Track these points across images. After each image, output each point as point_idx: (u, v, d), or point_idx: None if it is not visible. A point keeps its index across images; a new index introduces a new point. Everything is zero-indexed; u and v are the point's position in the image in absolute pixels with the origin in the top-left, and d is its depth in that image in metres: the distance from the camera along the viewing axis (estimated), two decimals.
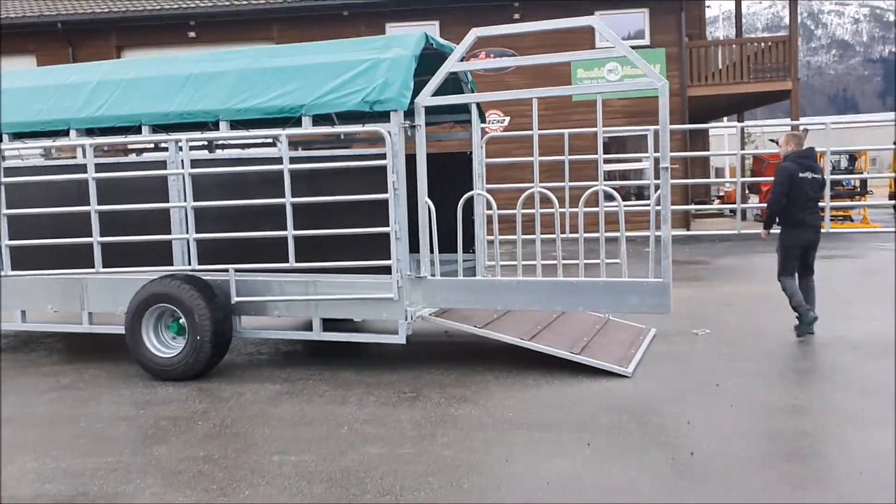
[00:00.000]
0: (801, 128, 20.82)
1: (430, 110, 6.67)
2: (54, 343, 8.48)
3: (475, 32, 6.25)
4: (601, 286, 6.11)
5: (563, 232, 7.37)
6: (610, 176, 18.82)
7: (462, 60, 6.45)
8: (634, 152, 20.05)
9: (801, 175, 7.26)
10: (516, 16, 19.51)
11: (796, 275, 7.46)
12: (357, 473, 4.38)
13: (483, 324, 6.70)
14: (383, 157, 6.27)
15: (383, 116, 6.56)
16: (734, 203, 26.40)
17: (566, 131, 8.35)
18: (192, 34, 19.62)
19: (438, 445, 4.80)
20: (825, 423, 5.01)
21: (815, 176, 7.34)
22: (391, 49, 6.63)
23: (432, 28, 19.74)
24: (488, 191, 7.67)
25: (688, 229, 19.89)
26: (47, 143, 7.56)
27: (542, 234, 6.79)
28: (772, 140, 26.24)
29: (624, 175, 19.42)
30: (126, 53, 19.93)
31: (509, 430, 5.02)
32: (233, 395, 6.11)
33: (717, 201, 29.53)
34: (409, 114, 6.56)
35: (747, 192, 26.10)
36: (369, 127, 6.54)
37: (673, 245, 6.11)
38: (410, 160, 6.50)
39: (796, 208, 7.28)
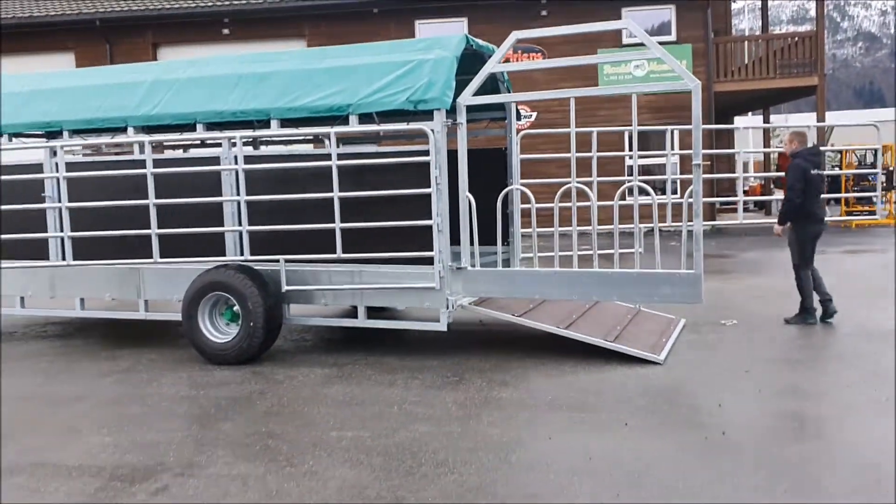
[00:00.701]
0: (826, 125, 20.93)
1: (468, 108, 6.99)
2: (106, 330, 8.91)
3: (515, 35, 6.56)
4: (635, 277, 6.41)
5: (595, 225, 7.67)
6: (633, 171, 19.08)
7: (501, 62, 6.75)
8: (658, 148, 20.33)
9: (812, 172, 7.54)
10: (543, 12, 19.75)
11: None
12: (411, 448, 4.73)
13: (520, 313, 7.02)
14: (426, 153, 6.60)
15: (426, 115, 6.89)
16: (758, 197, 26.50)
17: (594, 129, 8.56)
18: (225, 31, 20.05)
19: (484, 425, 5.14)
20: (849, 406, 5.28)
21: (821, 172, 7.75)
22: (433, 50, 6.95)
23: (460, 25, 20.05)
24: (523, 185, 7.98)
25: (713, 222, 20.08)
26: (106, 139, 7.96)
27: (576, 227, 7.09)
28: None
29: (647, 170, 19.59)
30: (161, 50, 20.42)
31: (550, 412, 5.35)
32: (285, 378, 6.49)
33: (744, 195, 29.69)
34: (450, 112, 6.88)
35: (772, 186, 26.23)
36: (414, 125, 6.86)
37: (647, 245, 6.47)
38: (450, 156, 6.82)
39: (809, 203, 7.60)
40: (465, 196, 6.85)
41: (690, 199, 6.41)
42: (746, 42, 21.41)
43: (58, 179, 7.27)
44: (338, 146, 6.70)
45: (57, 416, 5.66)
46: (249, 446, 4.87)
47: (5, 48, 20.29)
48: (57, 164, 7.54)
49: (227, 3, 19.90)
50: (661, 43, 17.29)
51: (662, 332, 7.33)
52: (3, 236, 7.57)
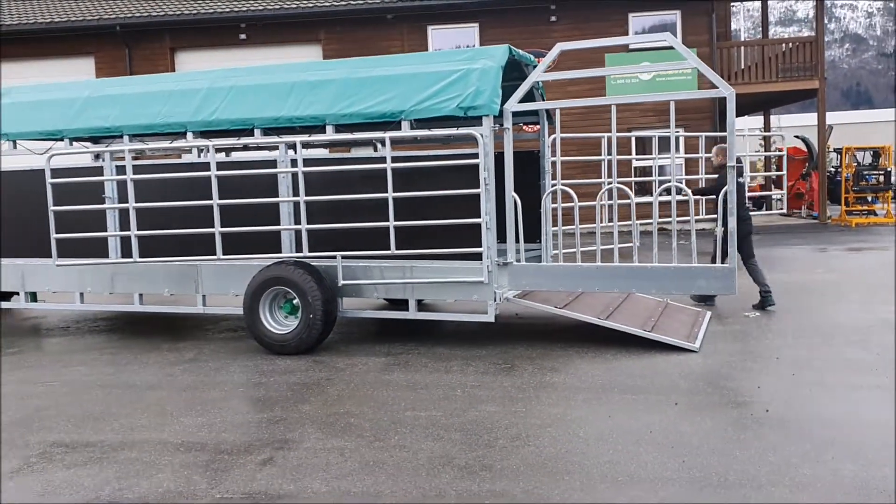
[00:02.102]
0: (827, 125, 21.47)
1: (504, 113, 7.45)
2: (155, 324, 9.34)
3: (559, 47, 7.04)
4: (673, 271, 6.89)
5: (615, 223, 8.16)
6: (639, 172, 19.58)
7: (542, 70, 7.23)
8: (665, 150, 20.83)
9: (739, 179, 8.53)
10: (553, 18, 20.24)
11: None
12: (484, 424, 5.20)
13: (561, 305, 7.50)
14: (474, 156, 7.07)
15: (474, 120, 7.37)
16: (757, 199, 27.01)
17: (632, 134, 9.03)
18: (242, 36, 20.48)
19: (545, 405, 5.61)
20: (879, 386, 5.77)
21: (742, 180, 8.90)
22: (479, 60, 7.42)
23: (472, 30, 20.53)
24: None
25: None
26: (166, 143, 8.41)
27: (617, 224, 7.56)
28: (797, 136, 26.89)
29: (647, 171, 20.04)
30: (179, 55, 20.83)
31: (603, 394, 5.82)
32: (346, 366, 6.95)
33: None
34: (496, 117, 7.35)
35: (772, 186, 26.75)
36: (463, 130, 7.33)
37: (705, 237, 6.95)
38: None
39: (741, 205, 8.55)
40: (511, 196, 7.32)
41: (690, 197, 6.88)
42: (748, 46, 21.90)
43: (126, 181, 7.68)
44: (375, 150, 7.13)
45: (142, 402, 6.10)
46: (333, 425, 5.33)
47: (26, 52, 20.67)
48: (121, 167, 8.02)
49: (244, 8, 20.33)
50: (666, 48, 17.86)
51: (693, 323, 7.82)
52: (60, 236, 7.95)
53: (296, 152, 7.37)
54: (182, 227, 7.74)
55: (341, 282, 7.49)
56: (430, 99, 7.32)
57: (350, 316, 8.08)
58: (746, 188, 9.29)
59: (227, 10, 20.28)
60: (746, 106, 24.11)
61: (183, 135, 8.22)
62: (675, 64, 7.26)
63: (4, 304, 9.43)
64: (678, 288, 6.95)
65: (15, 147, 8.94)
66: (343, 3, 20.16)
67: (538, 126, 8.80)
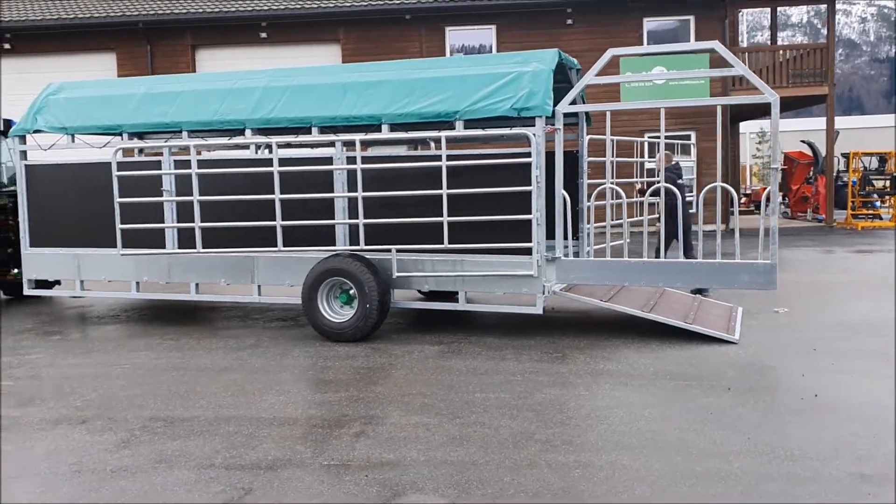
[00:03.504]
0: (835, 129, 21.90)
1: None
2: (205, 313, 9.70)
3: (611, 52, 7.42)
4: (717, 267, 7.29)
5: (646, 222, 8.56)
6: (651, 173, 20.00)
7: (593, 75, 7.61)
8: (678, 153, 21.25)
9: (678, 181, 9.46)
10: (569, 21, 20.64)
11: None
12: (553, 405, 5.58)
13: (605, 299, 7.88)
14: (526, 155, 7.45)
15: (524, 121, 7.75)
16: (759, 201, 27.48)
17: (659, 140, 9.41)
18: (263, 35, 20.82)
19: (605, 389, 5.99)
20: None
21: (683, 181, 10.00)
22: (531, 63, 7.80)
23: (490, 32, 20.92)
24: (593, 185, 8.84)
25: (726, 226, 21.06)
26: (225, 139, 8.76)
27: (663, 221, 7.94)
28: (803, 141, 27.36)
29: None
30: (200, 52, 21.16)
31: (657, 380, 6.21)
32: (403, 353, 7.32)
33: (745, 199, 30.72)
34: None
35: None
36: (516, 130, 7.70)
37: (715, 240, 7.41)
38: None
39: (673, 200, 9.12)
40: (561, 193, 7.71)
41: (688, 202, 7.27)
42: (759, 52, 22.33)
43: (186, 175, 8.03)
44: (416, 149, 7.46)
45: (219, 382, 6.46)
46: (409, 404, 5.70)
47: (48, 48, 20.97)
48: (179, 162, 8.39)
49: (264, 7, 20.67)
50: (679, 52, 18.27)
51: (728, 316, 8.21)
52: (126, 226, 8.30)
53: (345, 150, 7.73)
54: (239, 220, 8.08)
55: (395, 274, 7.85)
56: (485, 100, 7.69)
57: (400, 307, 8.44)
58: (686, 189, 10.32)
59: (249, 9, 20.62)
60: (757, 110, 24.53)
61: (241, 132, 8.56)
62: (723, 70, 7.63)
63: (48, 293, 9.83)
64: (721, 283, 7.34)
65: (73, 141, 9.28)
66: (362, 3, 20.53)
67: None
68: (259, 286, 8.58)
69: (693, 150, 21.33)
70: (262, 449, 4.84)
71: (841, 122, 40.15)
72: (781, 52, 22.03)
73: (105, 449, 4.92)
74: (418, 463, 4.53)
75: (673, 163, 10.75)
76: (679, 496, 4.00)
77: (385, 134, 8.01)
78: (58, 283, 10.13)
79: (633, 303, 8.00)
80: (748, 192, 33.02)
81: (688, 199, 7.86)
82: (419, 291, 9.05)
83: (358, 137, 7.74)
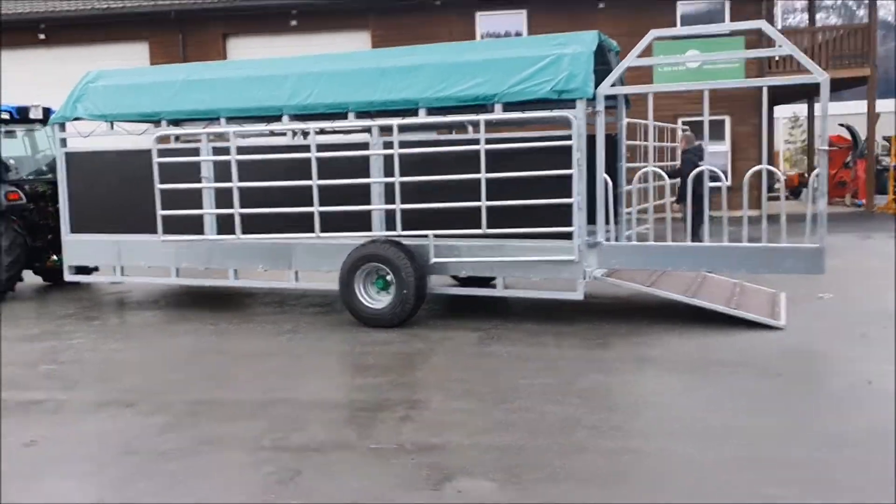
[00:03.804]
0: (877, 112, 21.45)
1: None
2: (235, 299, 9.74)
3: (653, 33, 7.30)
4: (762, 251, 7.16)
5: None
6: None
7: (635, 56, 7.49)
8: (713, 137, 20.98)
9: (700, 164, 8.86)
10: (601, 5, 20.37)
11: None
12: (598, 391, 5.53)
13: (647, 284, 7.79)
14: (567, 138, 7.36)
15: (562, 104, 7.64)
16: (795, 187, 26.95)
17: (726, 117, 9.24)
18: (293, 23, 20.81)
19: (651, 375, 5.92)
20: None
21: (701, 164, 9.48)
22: (570, 45, 7.69)
23: (520, 17, 20.73)
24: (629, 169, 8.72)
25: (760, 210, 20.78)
26: (262, 126, 8.77)
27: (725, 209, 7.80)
28: (841, 125, 26.86)
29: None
30: (231, 41, 21.22)
31: (703, 367, 6.11)
32: (442, 339, 7.28)
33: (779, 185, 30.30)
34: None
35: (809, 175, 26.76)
36: (557, 112, 7.61)
37: (751, 225, 7.29)
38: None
39: (700, 187, 8.59)
40: (602, 177, 7.61)
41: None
42: (799, 34, 21.92)
43: (225, 162, 8.04)
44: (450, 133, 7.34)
45: (262, 366, 6.48)
46: (452, 389, 5.67)
47: (80, 38, 21.15)
48: (217, 149, 8.41)
49: None
50: (713, 35, 17.96)
51: (772, 302, 8.08)
52: (166, 213, 8.35)
53: (379, 135, 7.69)
54: (277, 206, 8.08)
55: (433, 259, 7.80)
56: (524, 82, 7.60)
57: (436, 292, 8.39)
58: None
59: None
60: (795, 94, 24.15)
61: (278, 118, 8.55)
62: (769, 50, 7.48)
63: (87, 279, 9.96)
64: (767, 267, 7.20)
65: (112, 128, 9.33)
66: None
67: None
68: (296, 272, 8.58)
69: (728, 135, 21.09)
70: (309, 432, 4.83)
71: (880, 105, 39.39)
72: (821, 33, 21.59)
73: (153, 432, 4.94)
74: (465, 447, 4.50)
75: (695, 144, 10.80)
76: (734, 484, 3.93)
77: (422, 118, 7.95)
78: (96, 269, 10.23)
79: (674, 288, 7.89)
80: (783, 177, 32.57)
81: (714, 184, 7.73)
82: (453, 277, 9.01)
83: (395, 122, 7.70)
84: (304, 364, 6.54)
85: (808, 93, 25.19)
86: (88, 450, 4.67)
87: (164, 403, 5.53)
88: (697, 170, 7.88)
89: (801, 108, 40.43)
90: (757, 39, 20.52)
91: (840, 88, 24.74)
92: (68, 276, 9.73)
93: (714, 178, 7.65)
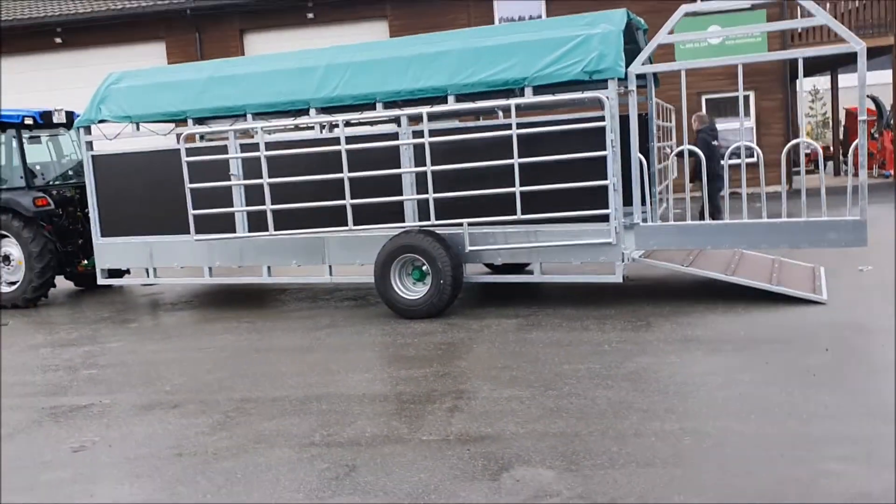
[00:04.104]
0: None
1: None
2: (267, 295, 9.73)
3: (683, 8, 7.16)
4: (803, 225, 7.03)
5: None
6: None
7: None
8: (734, 113, 20.72)
9: (713, 143, 9.70)
10: None
11: None
12: (646, 374, 5.44)
13: (685, 264, 7.68)
14: (599, 119, 7.25)
15: (591, 85, 7.54)
16: (818, 160, 26.65)
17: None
18: (310, 15, 20.72)
19: (697, 355, 5.82)
20: None
21: (719, 142, 10.26)
22: (599, 25, 7.57)
23: (539, 4, 20.52)
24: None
25: (790, 185, 20.53)
26: (289, 120, 8.73)
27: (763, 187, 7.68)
28: (868, 96, 26.43)
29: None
30: (248, 36, 21.19)
31: (750, 345, 6.01)
32: (481, 328, 7.22)
33: (805, 158, 29.88)
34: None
35: (841, 150, 26.40)
36: (588, 93, 7.50)
37: (777, 200, 7.17)
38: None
39: (715, 165, 9.15)
40: (637, 157, 7.50)
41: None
42: (820, 4, 21.51)
43: (255, 158, 8.01)
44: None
45: (304, 362, 6.45)
46: (498, 378, 5.61)
47: (95, 40, 21.20)
48: (246, 145, 8.39)
49: None
50: (734, 10, 17.68)
51: (812, 277, 7.95)
52: (198, 212, 8.34)
53: (408, 125, 7.62)
54: (307, 201, 8.04)
55: (468, 248, 7.74)
56: (554, 64, 7.49)
57: (471, 281, 8.33)
58: (720, 150, 10.35)
59: None
60: (817, 65, 23.77)
61: (305, 111, 8.51)
62: (805, 21, 7.33)
63: (119, 281, 10.01)
64: (809, 242, 7.07)
65: (138, 129, 9.33)
66: None
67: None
68: (330, 266, 8.54)
69: (752, 110, 20.81)
70: (358, 426, 4.80)
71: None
72: (843, 2, 21.21)
73: (202, 432, 4.93)
74: (518, 436, 4.44)
75: (708, 124, 10.86)
76: (803, 461, 3.84)
77: (452, 105, 7.87)
78: (128, 271, 10.25)
79: (712, 266, 7.78)
80: (808, 150, 32.12)
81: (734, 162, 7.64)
82: (485, 265, 8.95)
83: (425, 110, 7.62)
84: (346, 358, 6.50)
85: (830, 64, 24.82)
86: (140, 452, 4.66)
87: (209, 403, 5.51)
88: (731, 147, 7.76)
89: (819, 81, 39.96)
90: (778, 12, 20.25)
91: (841, 60, 24.36)
92: (101, 280, 9.76)
93: (737, 154, 7.57)
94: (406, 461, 4.19)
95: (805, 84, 40.31)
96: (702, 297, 7.65)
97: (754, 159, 11.05)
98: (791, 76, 23.13)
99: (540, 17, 20.47)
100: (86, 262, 10.77)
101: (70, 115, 10.91)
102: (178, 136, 8.71)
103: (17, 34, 21.21)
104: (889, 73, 21.40)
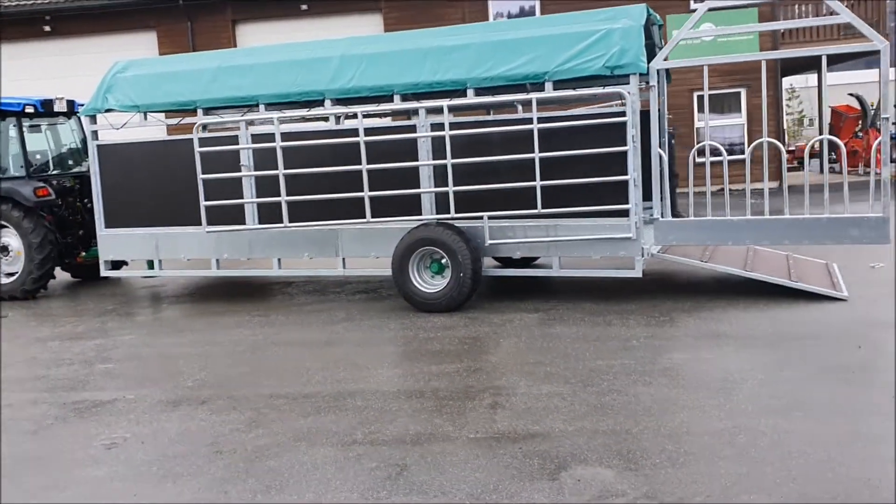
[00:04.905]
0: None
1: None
2: (272, 288, 9.60)
3: (707, 4, 7.13)
4: (825, 222, 7.03)
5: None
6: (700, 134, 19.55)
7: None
8: (728, 111, 20.81)
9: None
10: None
11: None
12: (683, 370, 5.41)
13: (703, 260, 7.66)
14: (621, 114, 7.21)
15: (611, 80, 7.48)
16: (803, 158, 26.86)
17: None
18: (304, 6, 20.48)
19: (730, 351, 5.79)
20: None
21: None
22: (619, 20, 7.51)
23: (533, 1, 20.45)
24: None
25: (780, 182, 20.62)
26: (304, 111, 8.60)
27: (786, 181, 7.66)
28: (850, 94, 26.68)
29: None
30: (240, 27, 20.92)
31: (781, 341, 5.98)
32: (503, 321, 7.15)
33: (789, 156, 30.08)
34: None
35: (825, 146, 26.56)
36: (610, 88, 7.45)
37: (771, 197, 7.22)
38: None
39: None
40: (657, 152, 7.46)
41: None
42: (810, 4, 21.63)
43: (271, 149, 7.88)
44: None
45: (327, 357, 6.34)
46: (532, 373, 5.54)
47: (86, 29, 20.83)
48: (259, 135, 8.26)
49: None
50: (724, 8, 17.73)
51: (828, 273, 7.96)
52: (210, 203, 8.20)
53: (426, 117, 7.55)
54: (321, 193, 7.93)
55: (489, 241, 7.67)
56: (575, 59, 7.43)
57: (489, 275, 8.26)
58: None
59: None
60: (807, 65, 23.95)
61: (319, 102, 8.38)
62: (825, 19, 7.32)
63: (119, 273, 9.85)
64: (831, 238, 7.08)
65: (146, 118, 9.15)
66: None
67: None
68: (343, 259, 8.43)
69: (743, 107, 20.88)
70: (400, 423, 4.71)
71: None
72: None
73: (236, 429, 4.82)
74: (568, 433, 4.38)
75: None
76: (866, 459, 3.82)
77: (471, 98, 7.79)
78: (125, 263, 10.01)
79: (729, 262, 7.77)
80: (792, 148, 32.36)
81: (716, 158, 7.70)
82: (494, 258, 8.90)
83: (445, 103, 7.53)
84: (370, 352, 6.41)
85: (813, 64, 24.96)
86: (177, 450, 4.54)
87: (238, 399, 5.40)
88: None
89: (796, 80, 40.25)
90: (770, 11, 20.32)
91: (851, 59, 24.55)
92: (104, 272, 9.57)
93: (715, 152, 7.60)
94: (458, 460, 4.11)
95: (783, 83, 40.69)
96: (721, 293, 7.64)
97: (743, 156, 11.07)
98: (783, 74, 23.28)
99: (535, 9, 20.42)
100: (84, 253, 10.57)
101: (71, 104, 10.70)
102: (192, 126, 8.53)
103: (6, 22, 20.79)
104: (874, 72, 21.54)
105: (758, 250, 8.61)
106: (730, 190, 7.67)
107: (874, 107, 24.49)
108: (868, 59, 24.07)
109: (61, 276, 10.93)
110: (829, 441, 4.05)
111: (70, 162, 11.01)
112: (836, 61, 25.09)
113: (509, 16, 20.40)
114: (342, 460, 4.22)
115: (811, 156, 25.36)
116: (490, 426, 4.56)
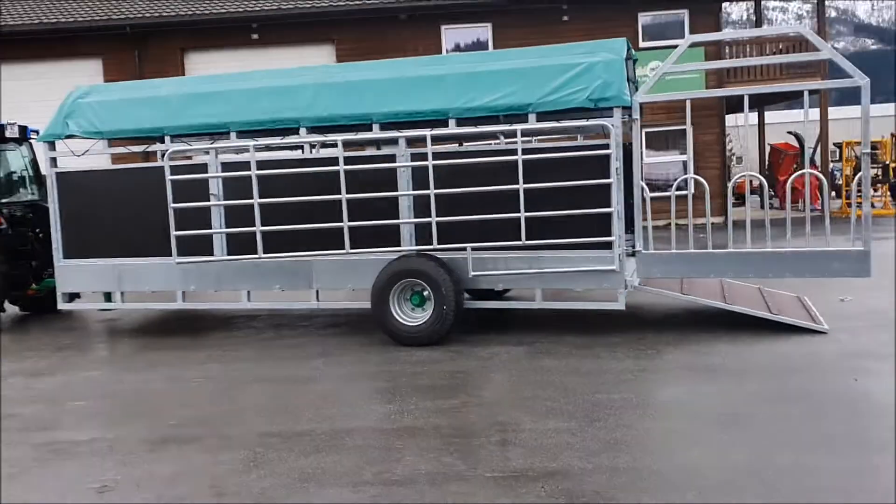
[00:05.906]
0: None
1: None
2: (235, 322, 9.30)
3: (690, 39, 7.25)
4: (808, 255, 7.13)
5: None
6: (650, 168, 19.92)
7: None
8: (672, 147, 21.22)
9: None
10: (565, 17, 20.45)
11: None
12: (688, 404, 5.38)
13: (683, 293, 7.69)
14: (603, 147, 7.23)
15: (601, 112, 7.51)
16: (743, 194, 27.62)
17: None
18: (254, 36, 20.30)
19: (729, 385, 5.77)
20: None
21: None
22: (599, 53, 7.56)
23: (485, 29, 20.68)
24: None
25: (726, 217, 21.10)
26: (277, 139, 8.38)
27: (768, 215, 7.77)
28: (789, 132, 27.60)
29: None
30: (189, 55, 20.57)
31: (776, 374, 6.00)
32: (489, 355, 7.02)
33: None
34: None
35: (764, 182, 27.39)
36: (593, 121, 7.47)
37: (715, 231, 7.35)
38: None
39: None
40: (640, 185, 7.49)
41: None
42: (749, 45, 22.36)
43: (251, 177, 7.62)
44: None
45: (312, 394, 6.11)
46: (533, 408, 5.41)
47: (28, 54, 20.18)
48: (228, 164, 8.04)
49: (255, 8, 20.18)
50: (673, 46, 18.23)
51: (803, 306, 8.07)
52: (181, 233, 7.89)
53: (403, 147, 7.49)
54: (296, 222, 7.71)
55: (472, 273, 7.55)
56: (558, 91, 7.43)
57: (472, 307, 8.13)
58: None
59: (239, 9, 20.10)
60: (749, 103, 24.64)
61: (294, 131, 8.19)
62: (810, 55, 7.49)
63: (73, 306, 9.40)
64: (813, 272, 7.17)
65: (110, 146, 8.82)
66: (356, 2, 20.13)
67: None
68: (317, 291, 8.20)
69: (689, 144, 21.32)
70: (408, 462, 4.52)
71: (835, 112, 40.70)
72: (771, 44, 22.10)
73: (235, 470, 4.56)
74: (588, 471, 4.25)
75: None
76: None
77: (453, 129, 7.72)
78: (77, 296, 9.50)
79: (708, 294, 7.82)
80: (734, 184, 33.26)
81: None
82: (466, 291, 8.77)
83: (428, 133, 7.44)
84: (357, 388, 6.21)
85: (760, 102, 25.81)
86: (176, 493, 4.27)
87: (227, 438, 5.13)
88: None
89: (728, 119, 41.62)
90: (717, 49, 20.93)
91: (792, 98, 25.46)
92: (62, 305, 9.11)
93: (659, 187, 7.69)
94: (482, 500, 3.95)
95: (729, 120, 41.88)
96: (701, 325, 7.67)
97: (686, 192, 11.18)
98: (728, 112, 23.90)
99: (486, 45, 20.62)
100: (36, 285, 10.09)
101: (24, 130, 10.27)
102: (156, 153, 8.25)
103: None
104: (813, 111, 22.34)
105: (731, 283, 8.69)
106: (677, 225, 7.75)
107: (811, 147, 25.33)
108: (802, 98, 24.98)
109: (10, 309, 10.39)
110: (863, 477, 4.02)
111: (21, 190, 10.54)
112: (779, 100, 25.97)
113: (464, 48, 20.58)
114: (358, 503, 4.01)
115: (752, 192, 26.13)
116: (504, 464, 4.41)
